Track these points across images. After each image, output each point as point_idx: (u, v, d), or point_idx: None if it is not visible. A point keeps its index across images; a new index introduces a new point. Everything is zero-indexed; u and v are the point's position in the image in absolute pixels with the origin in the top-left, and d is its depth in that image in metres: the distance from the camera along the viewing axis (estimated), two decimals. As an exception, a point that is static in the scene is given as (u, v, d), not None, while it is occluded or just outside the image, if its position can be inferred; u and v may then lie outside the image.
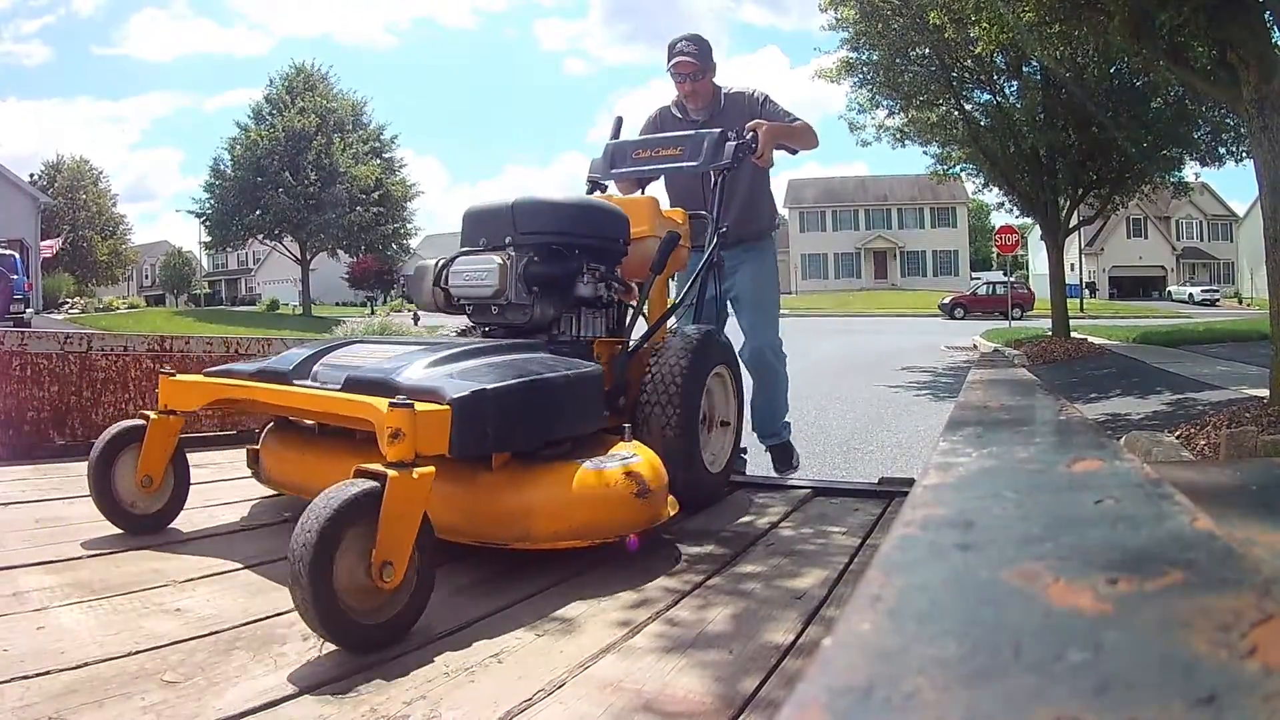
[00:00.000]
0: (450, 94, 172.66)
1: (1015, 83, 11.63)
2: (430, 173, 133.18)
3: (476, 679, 1.03)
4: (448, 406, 1.29)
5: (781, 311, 2.98)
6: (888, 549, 0.36)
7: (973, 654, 0.26)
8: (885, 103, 12.01)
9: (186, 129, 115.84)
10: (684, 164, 2.48)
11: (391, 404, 1.18)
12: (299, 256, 27.93)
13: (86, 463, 1.59)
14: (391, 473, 1.11)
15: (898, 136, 12.58)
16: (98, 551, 1.49)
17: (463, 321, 2.20)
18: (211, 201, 26.65)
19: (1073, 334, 13.05)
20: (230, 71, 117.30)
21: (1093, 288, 36.46)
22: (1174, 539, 0.37)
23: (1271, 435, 3.82)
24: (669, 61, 2.70)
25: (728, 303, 2.77)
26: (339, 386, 1.49)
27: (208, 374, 1.80)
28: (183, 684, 0.98)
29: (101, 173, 35.23)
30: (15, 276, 14.57)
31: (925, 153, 13.45)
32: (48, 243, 25.02)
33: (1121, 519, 0.41)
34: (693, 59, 2.66)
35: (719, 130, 2.45)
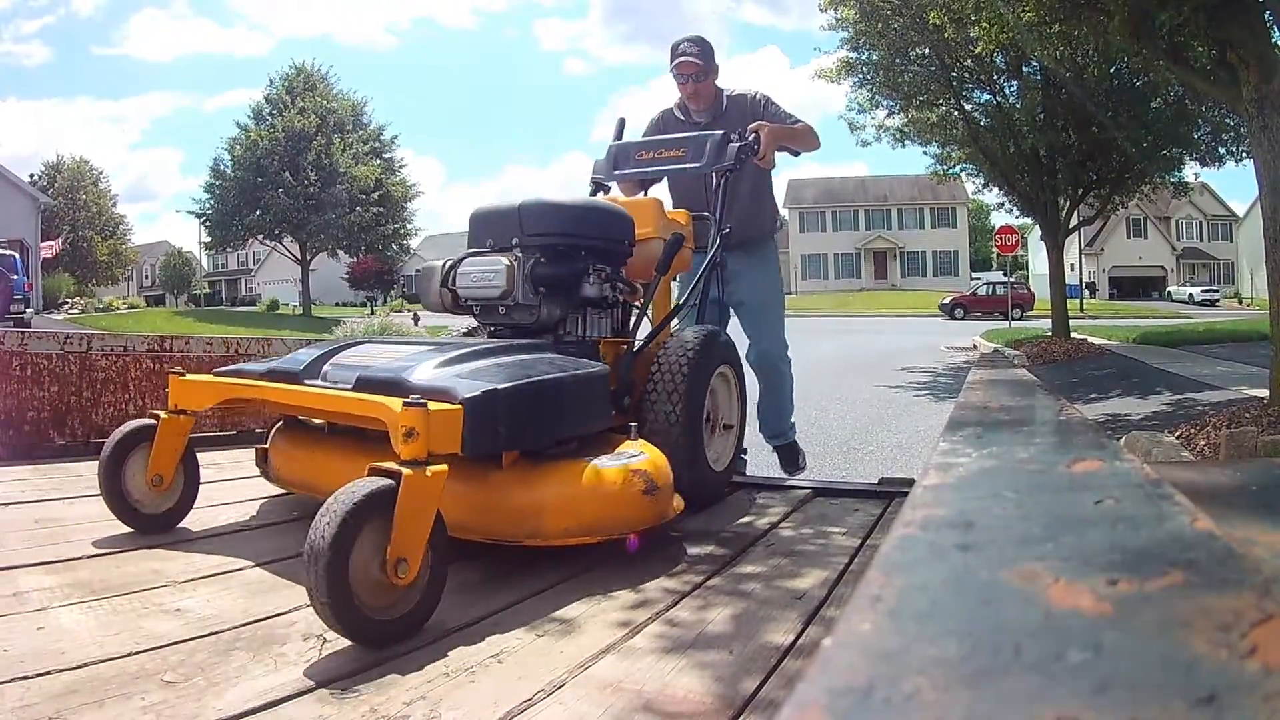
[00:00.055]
0: (450, 94, 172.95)
1: (1015, 83, 11.64)
2: (430, 173, 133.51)
3: (476, 679, 1.04)
4: (460, 406, 1.31)
5: (785, 312, 2.99)
6: (888, 549, 0.36)
7: (973, 654, 0.26)
8: (885, 103, 12.03)
9: (186, 129, 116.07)
10: (687, 165, 2.48)
11: (405, 403, 1.19)
12: (299, 257, 27.93)
13: (97, 462, 1.60)
14: (406, 471, 1.13)
15: (898, 136, 12.60)
16: (98, 552, 1.50)
17: (467, 321, 2.21)
18: (211, 202, 26.64)
19: (1073, 334, 13.05)
20: (230, 72, 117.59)
21: (1093, 288, 36.43)
22: (1174, 539, 0.37)
23: (1271, 435, 3.82)
24: (672, 62, 2.71)
25: (731, 305, 2.76)
26: (350, 386, 1.50)
27: (218, 373, 1.82)
28: (183, 684, 0.98)
29: (101, 173, 35.32)
30: (15, 277, 14.58)
31: (925, 153, 13.51)
32: (48, 243, 25.00)
33: (1121, 519, 0.41)
34: (696, 59, 2.66)
35: (721, 132, 2.46)
